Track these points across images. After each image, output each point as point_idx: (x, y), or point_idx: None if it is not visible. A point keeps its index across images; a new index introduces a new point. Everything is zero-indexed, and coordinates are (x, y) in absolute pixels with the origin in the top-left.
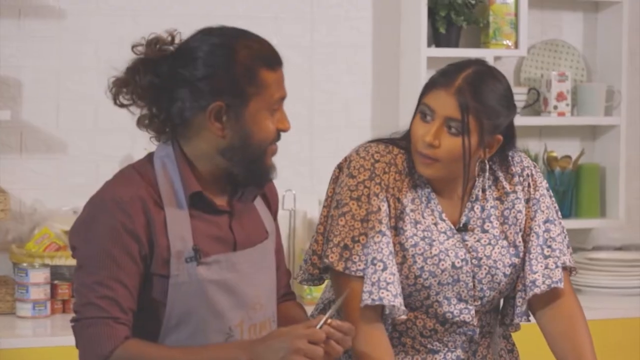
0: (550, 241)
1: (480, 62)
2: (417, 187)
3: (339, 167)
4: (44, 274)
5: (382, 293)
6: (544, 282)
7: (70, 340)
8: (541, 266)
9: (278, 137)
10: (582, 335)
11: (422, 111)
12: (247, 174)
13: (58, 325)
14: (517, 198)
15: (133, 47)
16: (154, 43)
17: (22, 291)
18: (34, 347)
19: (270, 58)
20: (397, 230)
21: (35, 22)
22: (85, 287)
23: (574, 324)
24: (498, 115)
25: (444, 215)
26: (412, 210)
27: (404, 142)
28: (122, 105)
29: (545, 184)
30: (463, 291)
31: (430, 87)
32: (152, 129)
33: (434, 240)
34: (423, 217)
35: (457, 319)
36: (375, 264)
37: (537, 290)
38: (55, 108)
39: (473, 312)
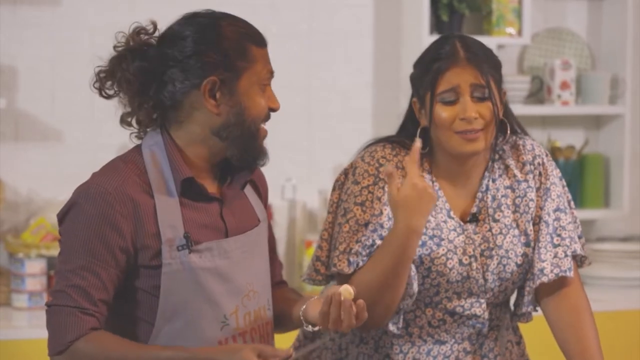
0: (560, 230)
1: (452, 34)
2: None
3: (345, 173)
4: (40, 264)
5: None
6: (552, 271)
7: None
8: (550, 255)
9: (268, 117)
10: (587, 326)
11: (444, 99)
12: (241, 154)
13: None
14: (528, 187)
15: (115, 47)
16: (137, 33)
17: (17, 282)
18: (30, 338)
19: (256, 35)
20: None
21: (30, 9)
22: (60, 275)
23: (580, 315)
24: (498, 64)
25: (452, 213)
26: None
27: (409, 140)
28: (107, 97)
29: (557, 172)
30: (474, 287)
31: (437, 75)
32: (138, 120)
33: (443, 240)
34: (432, 216)
35: (468, 312)
36: None
37: (544, 279)
38: (51, 96)
39: (484, 305)
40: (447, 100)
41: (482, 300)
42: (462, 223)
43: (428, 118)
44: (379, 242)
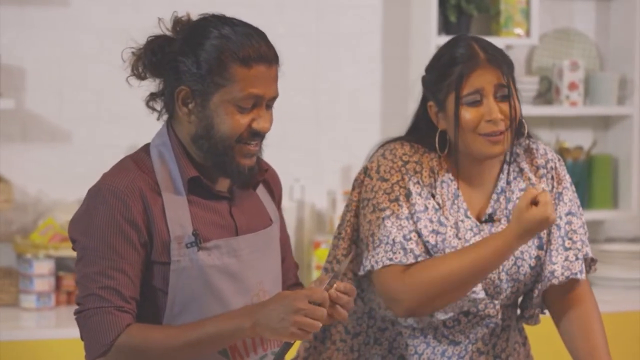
0: (571, 233)
1: (463, 36)
2: (444, 184)
3: (365, 172)
4: (49, 265)
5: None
6: (562, 274)
7: (75, 332)
8: (561, 258)
9: (252, 136)
10: (596, 328)
11: (468, 101)
12: (217, 168)
13: (63, 317)
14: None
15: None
16: (175, 22)
17: (26, 282)
18: (38, 339)
19: (249, 54)
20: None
21: (37, 10)
22: (87, 279)
23: (588, 317)
24: (512, 63)
25: (469, 213)
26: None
27: (426, 140)
28: (140, 77)
29: (568, 177)
30: (489, 287)
31: (462, 78)
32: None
33: (460, 239)
34: (450, 214)
35: (482, 312)
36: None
37: (555, 281)
38: (59, 97)
39: (498, 306)
40: (471, 102)
41: (497, 302)
42: (478, 223)
43: (452, 122)
44: (425, 231)
